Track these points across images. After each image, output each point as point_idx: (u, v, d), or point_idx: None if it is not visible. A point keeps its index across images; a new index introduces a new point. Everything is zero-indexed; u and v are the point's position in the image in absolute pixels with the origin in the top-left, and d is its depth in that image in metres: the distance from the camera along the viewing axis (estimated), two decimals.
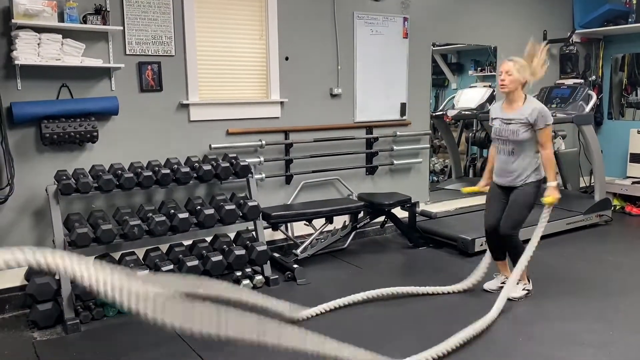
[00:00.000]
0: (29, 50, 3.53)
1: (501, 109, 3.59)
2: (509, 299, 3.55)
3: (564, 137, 6.79)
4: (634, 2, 6.32)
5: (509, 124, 3.51)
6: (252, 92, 4.70)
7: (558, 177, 3.73)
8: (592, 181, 5.95)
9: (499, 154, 3.63)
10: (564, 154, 6.44)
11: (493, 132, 3.65)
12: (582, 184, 6.59)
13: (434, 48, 5.85)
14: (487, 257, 3.80)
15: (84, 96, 3.89)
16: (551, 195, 3.47)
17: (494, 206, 3.68)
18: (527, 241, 3.59)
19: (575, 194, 6.14)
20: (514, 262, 3.62)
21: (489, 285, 3.83)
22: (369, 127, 5.31)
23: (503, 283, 3.74)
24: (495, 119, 3.63)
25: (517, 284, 3.65)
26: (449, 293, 3.77)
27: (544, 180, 3.55)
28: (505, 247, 3.69)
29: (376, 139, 5.32)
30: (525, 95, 3.53)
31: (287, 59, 4.77)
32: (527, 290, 3.70)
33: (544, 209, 3.56)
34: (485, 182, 3.88)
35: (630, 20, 6.38)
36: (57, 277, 3.43)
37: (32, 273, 3.50)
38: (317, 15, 4.92)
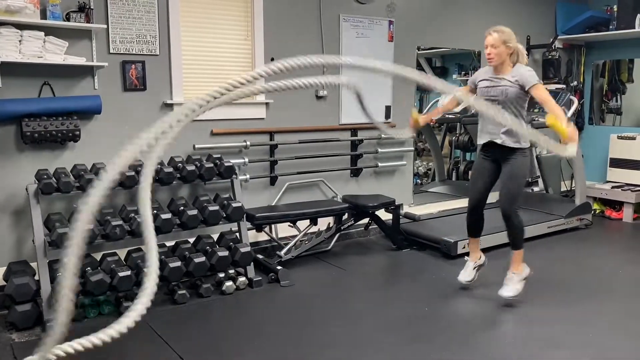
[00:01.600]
0: (10, 47, 3.48)
1: (491, 71, 3.53)
2: (507, 297, 3.52)
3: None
4: (615, 9, 6.43)
5: (498, 85, 3.45)
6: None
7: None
8: (573, 185, 6.03)
9: (486, 117, 3.49)
10: (545, 158, 6.53)
11: (479, 93, 3.54)
12: (563, 188, 6.69)
13: (418, 52, 5.89)
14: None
15: (67, 94, 3.84)
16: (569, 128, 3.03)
17: (480, 182, 3.63)
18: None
19: (557, 198, 6.22)
20: (515, 245, 3.60)
21: (464, 277, 3.78)
22: (354, 130, 5.32)
23: (477, 267, 3.75)
24: (482, 80, 3.55)
25: (513, 277, 3.58)
26: None
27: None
28: (507, 229, 3.59)
29: (361, 141, 5.34)
30: (514, 63, 3.47)
31: (272, 59, 4.76)
32: (525, 278, 3.62)
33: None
34: (425, 118, 3.83)
35: (611, 27, 6.49)
36: (36, 277, 3.38)
37: (10, 273, 3.45)
38: (303, 16, 4.92)
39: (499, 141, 3.49)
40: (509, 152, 3.49)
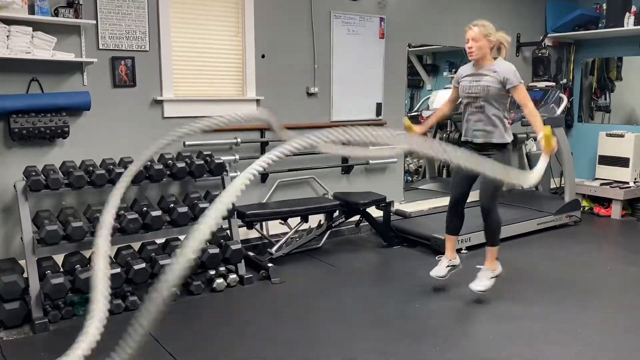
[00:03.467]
0: None
1: (472, 68, 3.56)
2: (476, 291, 3.56)
3: (535, 138, 6.91)
4: (604, 7, 6.47)
5: (479, 81, 3.47)
6: (228, 89, 4.66)
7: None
8: (562, 182, 6.07)
9: (469, 114, 3.58)
10: (535, 155, 6.55)
11: (461, 90, 3.59)
12: (552, 185, 6.73)
13: (409, 49, 5.89)
14: None
15: (55, 91, 3.81)
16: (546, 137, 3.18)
17: (462, 179, 3.65)
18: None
19: (546, 195, 6.26)
20: (491, 241, 3.64)
21: (436, 272, 3.78)
22: (345, 127, 5.31)
23: (450, 266, 3.78)
24: (465, 76, 3.58)
25: (486, 272, 3.62)
26: None
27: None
28: (485, 224, 3.63)
29: None
30: (495, 58, 3.50)
31: (263, 56, 4.75)
32: (496, 276, 3.66)
33: (543, 154, 3.16)
34: (421, 129, 3.78)
35: (600, 25, 6.53)
36: (24, 275, 3.35)
37: None
38: (293, 13, 4.90)
39: (480, 140, 3.55)
40: (491, 148, 3.54)
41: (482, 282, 3.59)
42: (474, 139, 3.58)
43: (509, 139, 3.54)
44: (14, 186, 3.48)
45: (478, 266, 3.70)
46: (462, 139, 3.69)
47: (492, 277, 3.63)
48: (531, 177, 2.89)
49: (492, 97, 3.45)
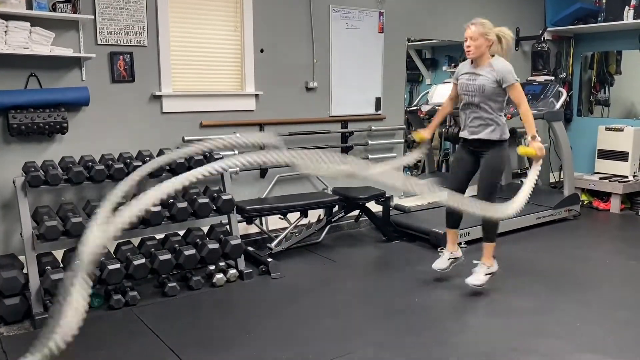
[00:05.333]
0: None
1: (470, 66, 3.60)
2: (472, 286, 3.59)
3: (533, 137, 6.92)
4: (604, 1, 6.45)
5: (476, 79, 3.51)
6: (227, 84, 4.65)
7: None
8: (562, 176, 6.08)
9: (466, 111, 3.62)
10: None
11: (459, 87, 3.64)
12: (551, 179, 6.73)
13: (409, 43, 5.88)
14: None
15: (54, 86, 3.80)
16: (534, 146, 3.43)
17: (460, 173, 3.69)
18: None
19: (545, 189, 6.27)
20: (488, 237, 3.67)
21: (438, 265, 3.82)
22: (344, 121, 5.32)
23: (452, 259, 3.80)
24: (463, 74, 3.62)
25: (482, 267, 3.65)
26: None
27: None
28: (483, 221, 3.65)
29: (351, 133, 5.33)
30: (493, 55, 3.53)
31: (262, 51, 4.74)
32: (492, 273, 3.68)
33: (534, 163, 3.52)
34: (429, 132, 3.85)
35: (599, 19, 6.51)
36: (24, 270, 3.36)
37: None
38: (292, 7, 4.89)
39: (476, 137, 3.58)
40: (488, 145, 3.58)
41: (477, 277, 3.62)
42: (471, 136, 3.62)
43: (505, 136, 3.58)
44: (13, 182, 3.48)
45: (475, 261, 3.71)
46: (460, 134, 3.73)
47: (487, 274, 3.65)
48: (511, 208, 3.04)
49: (488, 95, 3.49)
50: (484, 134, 3.56)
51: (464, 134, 3.69)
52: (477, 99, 3.52)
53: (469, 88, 3.55)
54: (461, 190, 3.68)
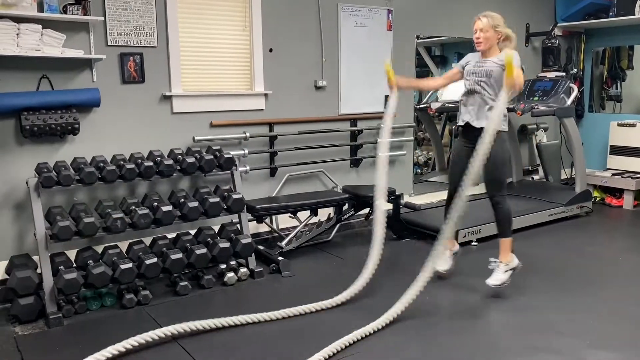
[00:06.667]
0: (7, 41, 3.46)
1: (479, 58, 3.60)
2: (492, 286, 3.53)
3: (545, 129, 6.88)
4: None
5: (483, 66, 3.51)
6: (236, 83, 4.67)
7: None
8: (573, 173, 6.03)
9: (467, 98, 3.60)
10: (545, 146, 6.52)
11: (466, 73, 3.62)
12: (563, 176, 6.69)
13: (418, 40, 5.86)
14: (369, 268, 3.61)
15: (65, 88, 3.83)
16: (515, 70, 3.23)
17: (459, 168, 3.63)
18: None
19: (557, 186, 6.22)
20: (503, 232, 3.62)
21: (442, 267, 3.78)
22: (353, 120, 5.31)
23: (452, 255, 3.81)
24: (469, 62, 3.62)
25: (500, 265, 3.59)
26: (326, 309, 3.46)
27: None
28: (496, 216, 3.63)
29: (360, 131, 5.33)
30: (501, 49, 3.51)
31: (271, 50, 4.74)
32: (513, 268, 3.62)
33: (504, 87, 3.31)
34: (403, 83, 3.82)
35: (610, 14, 6.45)
36: (38, 270, 3.39)
37: (12, 267, 3.46)
38: (301, 6, 4.89)
39: (475, 124, 3.54)
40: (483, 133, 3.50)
41: (497, 277, 3.57)
42: (470, 122, 3.58)
43: (504, 127, 3.53)
44: (26, 183, 3.52)
45: (491, 259, 3.67)
46: (457, 122, 3.69)
47: (507, 271, 3.59)
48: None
49: (495, 80, 3.46)
50: (480, 122, 3.51)
51: (460, 121, 3.65)
52: (482, 84, 3.49)
53: (476, 71, 3.53)
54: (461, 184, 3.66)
